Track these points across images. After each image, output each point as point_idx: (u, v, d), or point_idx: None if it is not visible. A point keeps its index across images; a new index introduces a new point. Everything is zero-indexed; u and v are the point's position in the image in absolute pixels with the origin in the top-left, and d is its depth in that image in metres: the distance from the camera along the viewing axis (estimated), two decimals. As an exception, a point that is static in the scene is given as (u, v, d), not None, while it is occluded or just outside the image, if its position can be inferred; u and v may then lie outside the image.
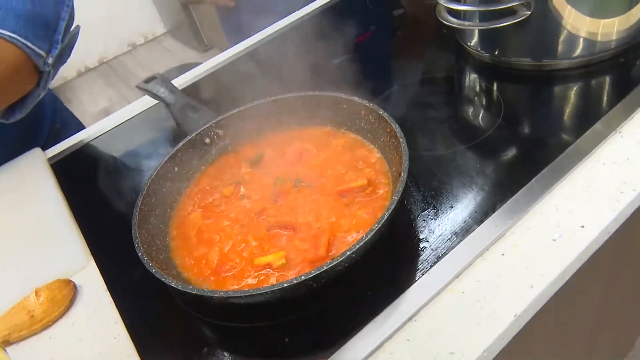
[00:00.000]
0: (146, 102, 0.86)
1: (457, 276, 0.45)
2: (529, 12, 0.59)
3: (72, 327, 0.52)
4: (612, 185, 0.49)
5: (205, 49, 3.17)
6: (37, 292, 0.54)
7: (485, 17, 0.62)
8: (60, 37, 0.56)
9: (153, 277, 0.52)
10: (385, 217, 0.43)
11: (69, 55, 0.63)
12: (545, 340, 0.57)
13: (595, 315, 0.68)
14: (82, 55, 3.43)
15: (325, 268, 0.41)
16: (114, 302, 0.53)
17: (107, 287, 0.54)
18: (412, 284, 0.45)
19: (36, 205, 0.68)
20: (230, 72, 0.89)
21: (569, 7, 0.59)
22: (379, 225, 0.43)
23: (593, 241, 0.45)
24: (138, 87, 0.75)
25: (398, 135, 0.51)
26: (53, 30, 0.56)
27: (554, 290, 0.44)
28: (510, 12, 0.60)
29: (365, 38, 0.86)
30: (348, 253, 0.41)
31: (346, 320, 0.44)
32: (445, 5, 0.62)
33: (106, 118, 0.86)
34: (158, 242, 0.53)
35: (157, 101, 0.83)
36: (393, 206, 0.44)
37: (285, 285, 0.40)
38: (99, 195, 0.70)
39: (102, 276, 0.56)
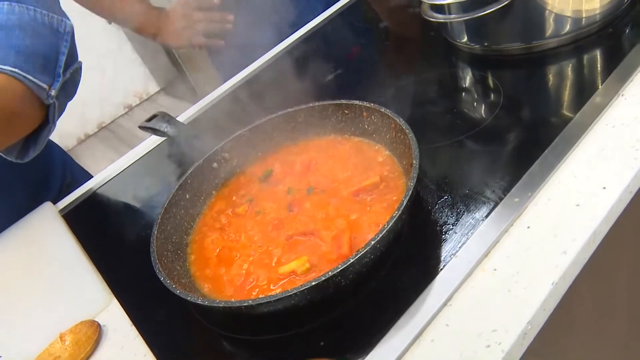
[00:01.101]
0: (149, 144, 0.87)
1: (485, 255, 0.44)
2: (512, -3, 0.60)
3: (100, 366, 0.50)
4: (626, 145, 0.48)
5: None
6: (61, 337, 0.53)
7: (468, 8, 0.63)
8: (61, 71, 0.58)
9: (178, 305, 0.51)
10: (405, 203, 0.43)
11: (74, 92, 0.64)
12: (585, 314, 0.55)
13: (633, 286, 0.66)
14: (80, 123, 3.50)
15: (351, 261, 0.40)
16: (141, 336, 0.51)
17: (132, 323, 0.53)
18: (441, 269, 0.44)
19: (52, 254, 0.68)
20: (229, 101, 0.90)
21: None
22: (399, 212, 0.42)
23: (617, 200, 0.44)
24: (141, 127, 0.76)
25: (404, 127, 0.51)
26: (54, 64, 0.57)
27: (589, 254, 0.43)
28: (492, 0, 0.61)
29: (356, 53, 0.87)
30: (372, 243, 0.41)
31: (380, 315, 0.43)
32: (428, 2, 0.63)
33: (111, 165, 0.87)
34: (178, 268, 0.52)
35: (160, 139, 0.85)
36: (410, 192, 0.43)
37: (313, 283, 0.40)
38: (113, 236, 0.70)
39: (126, 313, 0.55)
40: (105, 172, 0.86)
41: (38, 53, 0.55)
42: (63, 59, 0.58)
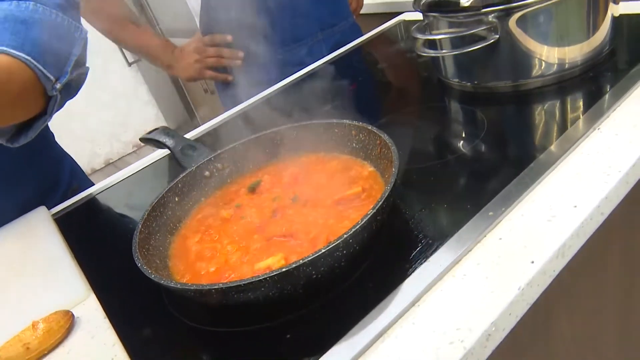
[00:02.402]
0: (149, 159, 0.90)
1: (457, 262, 0.45)
2: (497, 36, 0.65)
3: (67, 354, 0.50)
4: (598, 170, 0.50)
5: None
6: (34, 324, 0.53)
7: (458, 44, 0.68)
8: (69, 69, 0.62)
9: (153, 300, 0.52)
10: (380, 203, 0.44)
11: (76, 92, 0.68)
12: (565, 328, 0.55)
13: (616, 302, 0.65)
14: (88, 158, 3.58)
15: (322, 251, 0.41)
16: (113, 327, 0.51)
17: (106, 315, 0.53)
18: (412, 272, 0.45)
19: (38, 251, 0.69)
20: (232, 122, 0.94)
21: (531, 40, 0.65)
22: (373, 211, 0.44)
23: (587, 218, 0.46)
24: (141, 138, 0.79)
25: (388, 142, 0.54)
26: (64, 62, 0.62)
27: (559, 267, 0.44)
28: (480, 38, 0.66)
29: (354, 88, 0.92)
30: (345, 236, 0.42)
31: (349, 312, 0.43)
32: (422, 37, 0.68)
33: (111, 177, 0.89)
34: (158, 261, 0.53)
35: (161, 154, 0.88)
36: (387, 194, 0.45)
37: (283, 269, 0.40)
38: (101, 239, 0.71)
39: (102, 306, 0.55)
40: (104, 182, 0.89)
41: (52, 50, 0.60)
42: (73, 60, 0.62)
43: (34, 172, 0.86)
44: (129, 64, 3.29)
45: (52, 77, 0.59)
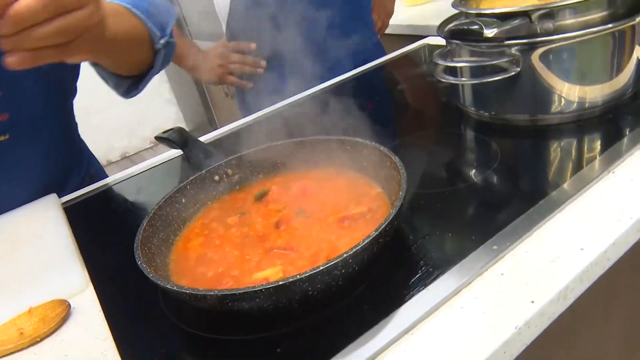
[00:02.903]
0: (164, 157, 0.91)
1: (455, 293, 0.44)
2: (519, 69, 0.64)
3: (60, 343, 0.50)
4: (609, 214, 0.49)
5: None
6: (30, 310, 0.54)
7: (478, 74, 0.68)
8: (169, 32, 0.76)
9: (151, 300, 0.52)
10: (383, 226, 0.44)
11: (169, 60, 0.81)
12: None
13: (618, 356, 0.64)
14: (106, 150, 3.62)
15: (321, 268, 0.41)
16: (107, 321, 0.52)
17: (103, 309, 0.54)
18: (409, 299, 0.44)
19: (43, 238, 0.69)
20: (247, 129, 0.95)
21: (553, 76, 0.65)
22: (376, 233, 0.43)
23: (593, 263, 0.45)
24: (157, 137, 0.80)
25: (398, 165, 0.54)
26: (165, 26, 0.75)
27: (560, 310, 0.43)
28: (501, 69, 0.65)
29: (371, 106, 0.92)
30: (345, 256, 0.42)
31: (342, 333, 0.43)
32: (442, 64, 0.68)
33: (125, 170, 0.91)
34: (158, 261, 0.53)
35: (177, 153, 0.89)
36: (391, 217, 0.45)
37: (280, 283, 0.40)
38: (107, 232, 0.72)
39: (99, 299, 0.55)
40: (117, 175, 0.90)
41: (158, 16, 0.74)
42: (171, 27, 0.76)
43: (55, 159, 0.88)
44: (155, 62, 3.34)
45: (158, 34, 0.72)
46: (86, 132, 1.00)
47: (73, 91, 0.92)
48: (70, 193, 0.87)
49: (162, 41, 0.74)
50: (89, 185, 0.89)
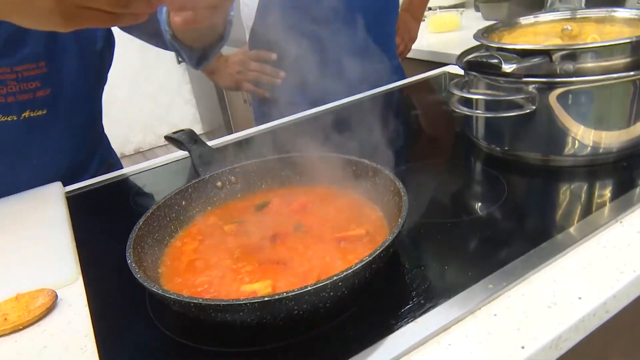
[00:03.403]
0: (177, 155, 0.91)
1: (445, 329, 0.43)
2: (534, 107, 0.64)
3: (41, 334, 0.50)
4: (612, 265, 0.48)
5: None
6: (17, 297, 0.54)
7: (493, 107, 0.67)
8: (233, 9, 0.78)
9: (137, 302, 0.52)
10: (377, 252, 0.43)
11: (227, 39, 0.84)
12: None
13: None
14: (121, 143, 3.66)
15: (308, 288, 0.40)
16: (92, 317, 0.51)
17: (89, 304, 0.53)
18: (396, 330, 0.43)
19: (41, 225, 0.70)
20: (258, 139, 0.95)
21: (569, 118, 0.64)
22: (370, 259, 0.42)
23: (590, 314, 0.43)
24: (166, 137, 0.80)
25: (401, 191, 0.53)
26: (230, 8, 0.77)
27: (551, 359, 0.42)
28: (517, 105, 0.65)
29: (385, 128, 0.91)
30: (335, 278, 0.41)
31: (323, 356, 0.42)
32: (458, 94, 0.67)
33: (136, 165, 0.91)
34: (149, 262, 0.53)
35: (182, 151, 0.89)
36: (386, 244, 0.44)
37: (265, 299, 0.39)
38: (105, 226, 0.72)
39: (86, 294, 0.55)
40: (132, 167, 0.91)
41: None
42: (234, 3, 0.76)
43: (81, 143, 0.92)
44: (179, 62, 3.38)
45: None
46: (106, 123, 1.02)
47: (105, 79, 0.95)
48: (89, 179, 0.89)
49: (232, 12, 0.79)
50: (107, 173, 0.91)
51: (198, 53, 0.84)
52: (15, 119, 0.79)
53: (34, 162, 0.84)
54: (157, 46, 0.96)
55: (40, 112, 0.81)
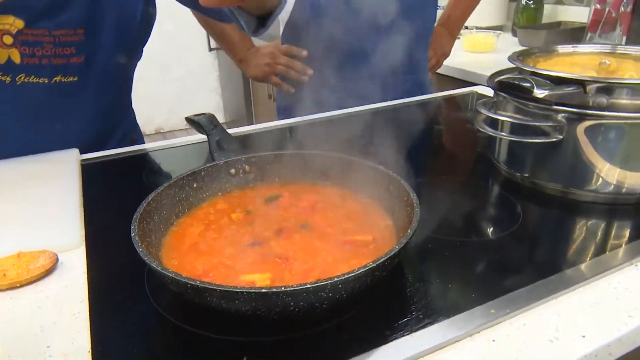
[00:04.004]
0: (198, 137, 0.92)
1: (439, 348, 0.42)
2: (561, 137, 0.62)
3: (37, 294, 0.50)
4: (621, 308, 0.46)
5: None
6: (19, 255, 0.54)
7: (519, 132, 0.66)
8: None
9: (136, 277, 0.51)
10: (384, 258, 0.42)
11: (284, 5, 0.82)
12: None
13: None
14: (143, 121, 3.68)
15: (308, 286, 0.39)
16: (89, 285, 0.51)
17: (88, 272, 0.53)
18: (390, 341, 0.42)
19: (53, 188, 0.70)
20: (278, 134, 0.95)
21: (595, 153, 0.62)
22: (373, 265, 0.42)
23: (592, 355, 0.42)
24: (186, 118, 0.80)
25: (414, 202, 0.52)
26: None
27: (542, 394, 0.40)
28: (543, 132, 0.63)
29: (406, 138, 0.90)
30: (335, 280, 0.40)
31: (312, 356, 0.41)
32: (485, 113, 0.66)
33: (155, 142, 0.92)
34: (153, 238, 0.52)
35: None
36: (392, 253, 0.43)
37: (262, 290, 0.39)
38: (116, 198, 0.72)
39: (87, 262, 0.55)
40: (143, 145, 0.91)
41: None
42: None
43: (109, 113, 0.93)
44: (210, 50, 3.41)
45: None
46: (133, 99, 1.03)
47: (139, 55, 0.96)
48: (111, 149, 0.90)
49: None
50: (129, 146, 0.92)
51: (256, 19, 0.84)
52: (46, 81, 0.80)
53: (59, 127, 0.85)
54: (209, 15, 0.96)
55: (71, 79, 0.82)
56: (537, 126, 0.63)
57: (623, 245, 0.56)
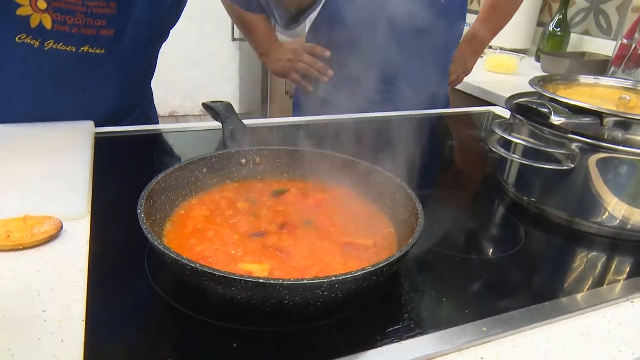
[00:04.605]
0: (210, 124, 0.92)
1: (428, 359, 0.42)
2: (572, 166, 0.62)
3: (38, 258, 0.51)
4: (612, 342, 0.46)
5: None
6: (25, 218, 0.55)
7: (530, 156, 0.66)
8: None
9: (137, 253, 0.52)
10: (383, 264, 0.42)
11: (319, 3, 0.86)
12: None
13: None
14: (158, 102, 3.70)
15: (305, 282, 0.40)
16: (89, 255, 0.52)
17: (90, 243, 0.54)
18: (379, 346, 0.42)
19: (65, 157, 0.71)
20: (291, 130, 0.95)
21: (604, 186, 0.62)
22: (371, 269, 0.42)
23: (578, 384, 0.42)
24: (204, 104, 0.81)
25: (419, 212, 0.52)
26: None
27: (524, 416, 0.41)
28: (555, 159, 0.63)
29: (417, 150, 0.91)
30: (332, 279, 0.40)
31: (299, 352, 0.41)
32: (500, 134, 0.66)
33: (170, 124, 0.93)
34: (158, 217, 0.53)
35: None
36: (395, 257, 0.43)
37: (260, 280, 0.39)
38: (126, 175, 0.73)
39: (91, 233, 0.56)
40: (158, 126, 0.92)
41: None
42: None
43: (130, 90, 0.94)
44: (233, 39, 3.43)
45: None
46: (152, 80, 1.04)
47: (166, 36, 0.97)
48: (128, 124, 0.91)
49: None
50: (144, 125, 0.93)
51: (290, 14, 0.85)
52: (73, 50, 0.81)
53: (80, 97, 0.86)
54: (238, 3, 0.98)
55: (98, 50, 0.83)
56: (549, 152, 0.63)
57: (621, 281, 0.56)
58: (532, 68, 1.94)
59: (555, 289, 0.53)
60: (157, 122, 1.06)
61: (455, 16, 1.18)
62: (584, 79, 0.80)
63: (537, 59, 2.02)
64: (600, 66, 1.73)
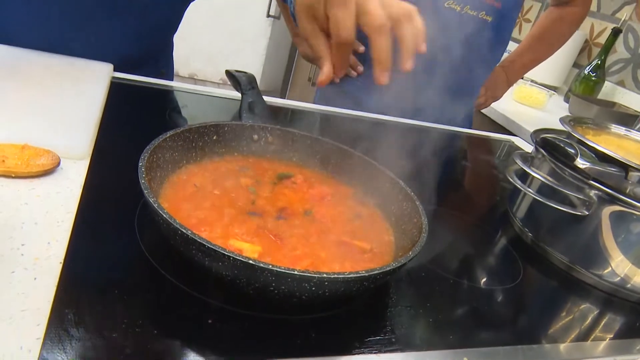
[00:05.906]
0: (230, 93, 0.91)
1: (402, 377, 0.41)
2: (586, 213, 0.60)
3: (28, 190, 0.49)
4: (592, 400, 0.45)
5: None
6: (24, 147, 0.53)
7: (546, 193, 0.64)
8: None
9: (129, 207, 0.50)
10: (378, 271, 0.41)
11: None
12: None
13: None
14: (182, 61, 3.69)
15: (295, 272, 0.38)
16: (80, 199, 0.50)
17: (84, 185, 0.52)
18: (355, 354, 0.41)
19: (77, 94, 0.69)
20: (310, 118, 0.93)
21: (612, 239, 0.60)
22: (364, 274, 0.40)
23: None
24: (227, 71, 0.79)
25: (423, 227, 0.50)
26: None
27: None
28: (570, 202, 0.61)
29: (427, 163, 0.89)
30: (323, 275, 0.39)
31: (273, 343, 0.40)
32: (518, 162, 0.64)
33: (188, 85, 0.91)
34: (158, 174, 0.51)
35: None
36: (390, 268, 0.42)
37: (250, 261, 0.38)
38: (135, 126, 0.71)
39: (87, 177, 0.54)
40: (176, 83, 0.90)
41: None
42: None
43: (143, 38, 0.91)
44: (268, 16, 3.40)
45: None
46: (177, 38, 1.02)
47: None
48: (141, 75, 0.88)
49: None
50: (157, 78, 0.91)
51: None
52: None
53: (92, 37, 0.83)
54: None
55: None
56: (566, 194, 0.61)
57: (607, 339, 0.54)
58: (560, 107, 1.92)
59: (541, 334, 0.52)
60: (171, 80, 1.04)
61: (499, 38, 1.15)
62: (615, 128, 0.78)
63: (566, 99, 1.99)
64: (628, 120, 1.71)
